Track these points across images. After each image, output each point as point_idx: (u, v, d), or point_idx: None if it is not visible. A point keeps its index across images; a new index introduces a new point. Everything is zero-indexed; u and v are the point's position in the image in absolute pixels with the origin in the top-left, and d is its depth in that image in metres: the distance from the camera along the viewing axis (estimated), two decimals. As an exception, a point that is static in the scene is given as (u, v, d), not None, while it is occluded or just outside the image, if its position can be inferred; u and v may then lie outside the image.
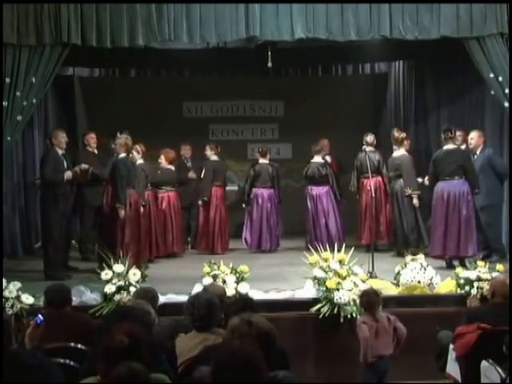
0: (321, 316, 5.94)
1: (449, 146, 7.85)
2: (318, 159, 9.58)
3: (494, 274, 5.93)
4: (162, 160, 9.43)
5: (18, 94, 6.85)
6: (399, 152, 8.81)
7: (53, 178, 7.65)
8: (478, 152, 8.29)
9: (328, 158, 9.94)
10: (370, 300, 5.16)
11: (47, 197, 7.67)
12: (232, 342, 3.02)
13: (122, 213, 7.40)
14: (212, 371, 2.61)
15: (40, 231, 8.66)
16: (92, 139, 8.91)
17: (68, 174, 7.77)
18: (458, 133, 8.71)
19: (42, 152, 9.34)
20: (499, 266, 6.35)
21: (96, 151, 8.97)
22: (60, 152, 7.83)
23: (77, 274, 7.67)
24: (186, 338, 4.19)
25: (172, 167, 9.51)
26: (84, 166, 8.19)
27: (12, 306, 5.89)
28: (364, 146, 8.73)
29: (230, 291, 5.92)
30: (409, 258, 6.55)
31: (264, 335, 3.09)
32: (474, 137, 8.30)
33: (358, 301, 5.41)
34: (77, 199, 8.49)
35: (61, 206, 7.67)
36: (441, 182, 7.77)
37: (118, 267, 6.23)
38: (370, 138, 9.29)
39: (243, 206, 9.71)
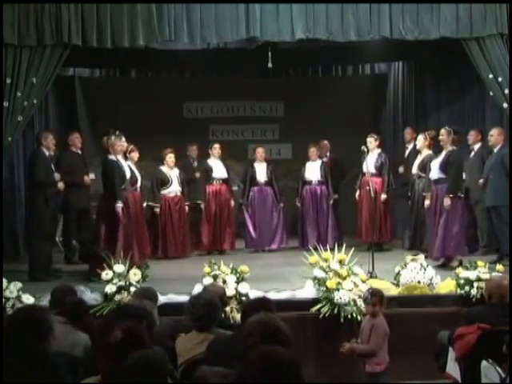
0: (321, 316, 5.95)
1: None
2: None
3: (494, 274, 5.94)
4: (173, 160, 9.39)
5: (18, 94, 6.87)
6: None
7: (45, 179, 7.67)
8: (495, 150, 8.17)
9: (324, 159, 10.06)
10: (382, 296, 5.16)
11: (38, 197, 7.65)
12: (247, 341, 3.05)
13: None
14: (241, 371, 2.56)
15: (26, 232, 8.53)
16: (77, 139, 8.70)
17: (57, 176, 7.82)
18: (471, 132, 8.69)
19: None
20: (499, 266, 6.36)
21: (80, 151, 8.80)
22: (47, 153, 7.86)
23: (73, 276, 7.65)
24: (185, 338, 4.20)
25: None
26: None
27: (13, 306, 5.89)
28: (362, 147, 8.72)
29: (230, 291, 5.94)
30: (409, 257, 6.56)
31: (272, 334, 3.10)
32: (493, 134, 8.17)
33: (368, 299, 5.24)
34: (62, 201, 8.48)
35: (51, 207, 7.71)
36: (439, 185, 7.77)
37: (119, 267, 6.25)
38: (373, 138, 9.31)
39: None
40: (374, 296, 5.13)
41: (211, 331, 4.12)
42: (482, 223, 8.67)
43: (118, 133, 7.97)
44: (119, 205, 7.40)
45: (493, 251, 8.23)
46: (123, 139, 8.02)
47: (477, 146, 8.66)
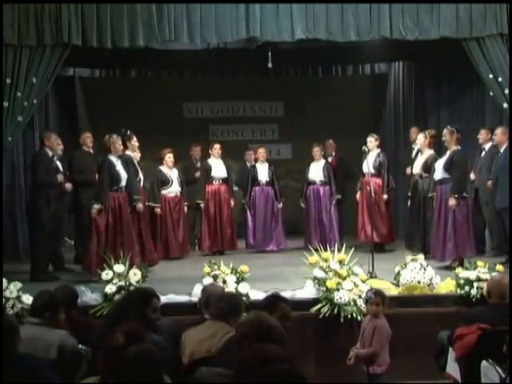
0: (321, 316, 5.94)
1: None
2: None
3: (494, 274, 5.94)
4: (172, 160, 9.35)
5: (18, 94, 6.87)
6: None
7: (46, 179, 7.66)
8: (501, 150, 8.08)
9: (329, 159, 10.03)
10: (385, 296, 5.14)
11: (39, 198, 7.65)
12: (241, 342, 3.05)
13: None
14: (237, 371, 2.56)
15: (28, 232, 8.49)
16: (88, 138, 8.67)
17: (61, 177, 7.80)
18: (482, 131, 8.59)
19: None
20: (499, 267, 6.35)
21: (92, 151, 8.73)
22: (50, 153, 7.85)
23: (69, 276, 7.66)
24: (195, 330, 4.20)
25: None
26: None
27: (13, 307, 5.89)
28: (363, 147, 8.71)
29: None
30: (409, 257, 6.56)
31: (265, 333, 3.10)
32: (497, 133, 8.11)
33: (372, 299, 5.15)
34: (73, 201, 8.46)
35: (52, 208, 7.69)
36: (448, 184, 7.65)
37: (119, 267, 6.24)
38: (374, 138, 9.29)
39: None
40: (378, 296, 5.12)
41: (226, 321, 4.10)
42: (490, 225, 8.54)
43: (129, 133, 7.99)
44: (95, 206, 7.26)
45: (503, 253, 8.02)
46: (134, 138, 8.12)
47: (488, 146, 8.53)
